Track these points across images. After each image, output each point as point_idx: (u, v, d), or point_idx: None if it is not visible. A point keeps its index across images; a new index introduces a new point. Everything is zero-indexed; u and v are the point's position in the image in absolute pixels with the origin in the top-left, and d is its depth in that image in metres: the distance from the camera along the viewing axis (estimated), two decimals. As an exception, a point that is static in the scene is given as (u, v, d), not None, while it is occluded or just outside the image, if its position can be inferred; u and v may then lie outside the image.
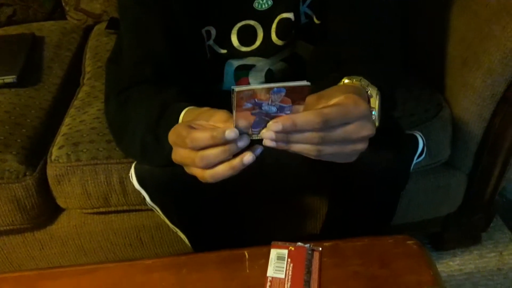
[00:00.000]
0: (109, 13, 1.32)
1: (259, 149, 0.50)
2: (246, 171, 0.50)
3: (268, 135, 0.47)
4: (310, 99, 0.52)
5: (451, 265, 1.19)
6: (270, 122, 0.47)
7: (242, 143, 0.48)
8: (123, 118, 0.71)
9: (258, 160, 0.50)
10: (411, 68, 1.06)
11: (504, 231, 1.25)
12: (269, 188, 0.95)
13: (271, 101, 0.46)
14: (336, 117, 0.48)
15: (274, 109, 0.47)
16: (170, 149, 0.62)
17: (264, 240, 0.70)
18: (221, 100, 0.84)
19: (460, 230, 1.19)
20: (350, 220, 0.87)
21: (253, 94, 0.45)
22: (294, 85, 0.45)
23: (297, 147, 0.49)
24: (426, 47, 1.09)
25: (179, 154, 0.52)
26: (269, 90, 0.45)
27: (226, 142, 0.48)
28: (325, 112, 0.48)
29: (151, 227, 1.00)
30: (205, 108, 0.56)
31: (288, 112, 0.47)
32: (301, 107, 0.48)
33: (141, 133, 0.67)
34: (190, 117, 0.58)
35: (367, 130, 0.51)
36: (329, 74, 0.74)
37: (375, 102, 0.57)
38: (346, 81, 0.59)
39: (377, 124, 0.57)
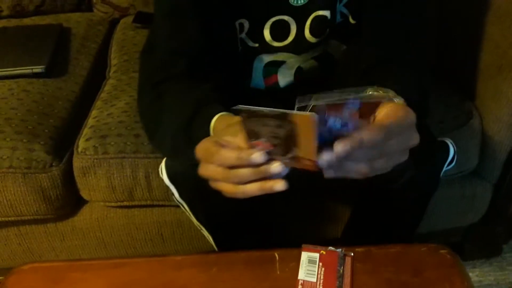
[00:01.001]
0: (136, 7, 1.32)
1: (282, 186, 0.48)
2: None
3: (329, 158, 0.44)
4: None
5: (470, 276, 1.16)
6: (337, 146, 0.42)
7: (275, 171, 0.47)
8: (157, 114, 0.71)
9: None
10: (442, 74, 1.05)
11: (525, 243, 1.23)
12: (295, 188, 0.94)
13: (342, 116, 0.42)
14: (395, 130, 0.47)
15: (338, 125, 0.43)
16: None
17: (285, 242, 0.70)
18: (250, 98, 0.83)
19: (481, 241, 1.17)
20: (373, 227, 0.86)
21: (326, 108, 0.42)
22: (371, 101, 0.42)
23: (351, 167, 0.47)
24: (458, 53, 1.07)
25: (209, 170, 0.52)
26: (343, 105, 0.41)
27: (252, 164, 0.48)
28: (386, 125, 0.46)
29: (172, 223, 1.00)
30: (234, 120, 0.56)
31: (351, 128, 0.43)
32: (364, 122, 0.44)
33: (172, 132, 0.67)
34: (220, 125, 0.58)
35: (415, 139, 0.50)
36: (359, 75, 0.73)
37: None
38: (370, 92, 0.58)
39: None
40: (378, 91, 0.56)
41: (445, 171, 0.83)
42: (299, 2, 0.74)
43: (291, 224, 0.99)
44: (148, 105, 0.74)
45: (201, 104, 0.63)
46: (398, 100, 0.56)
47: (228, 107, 0.60)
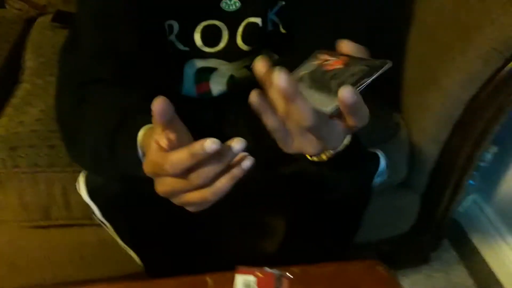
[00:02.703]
0: (53, 5, 1.22)
1: (249, 160, 0.45)
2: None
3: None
4: None
5: (402, 285, 1.19)
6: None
7: (238, 147, 0.44)
8: (77, 120, 0.64)
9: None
10: (371, 86, 1.06)
11: (450, 251, 1.28)
12: (227, 203, 0.90)
13: None
14: None
15: None
16: (124, 162, 0.57)
17: (217, 261, 0.66)
18: (180, 105, 0.79)
19: (411, 250, 1.20)
20: (308, 241, 0.85)
21: None
22: None
23: None
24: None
25: (166, 184, 0.46)
26: None
27: (207, 155, 0.43)
28: None
29: (95, 244, 0.92)
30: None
31: None
32: None
33: (94, 141, 0.61)
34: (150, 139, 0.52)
35: None
36: None
37: None
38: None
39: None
40: None
41: (377, 182, 0.83)
42: (231, 8, 0.71)
43: (224, 240, 0.95)
44: (68, 110, 0.66)
45: (127, 114, 0.58)
46: None
47: None
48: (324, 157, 0.55)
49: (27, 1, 1.21)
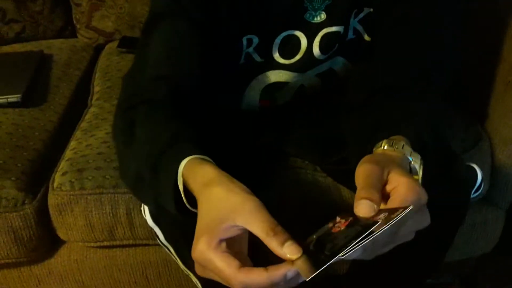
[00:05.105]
0: (121, 32, 1.27)
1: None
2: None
3: None
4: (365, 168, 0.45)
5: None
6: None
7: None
8: (125, 141, 0.62)
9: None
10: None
11: (541, 272, 1.15)
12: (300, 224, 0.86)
13: None
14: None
15: None
16: (162, 186, 0.52)
17: None
18: (240, 122, 0.76)
19: (495, 270, 1.10)
20: (391, 264, 0.77)
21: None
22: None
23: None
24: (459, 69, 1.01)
25: (211, 276, 0.44)
26: None
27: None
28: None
29: (158, 264, 0.92)
30: (211, 176, 0.47)
31: None
32: None
33: (137, 162, 0.57)
34: (195, 175, 0.48)
35: (424, 221, 0.46)
36: (363, 99, 0.65)
37: (419, 173, 0.50)
38: (386, 147, 0.50)
39: None
40: (393, 148, 0.50)
41: (472, 198, 0.76)
42: (315, 19, 0.68)
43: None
44: (119, 132, 0.64)
45: (177, 137, 0.54)
46: (414, 159, 0.49)
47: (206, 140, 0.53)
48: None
49: (96, 30, 1.27)
